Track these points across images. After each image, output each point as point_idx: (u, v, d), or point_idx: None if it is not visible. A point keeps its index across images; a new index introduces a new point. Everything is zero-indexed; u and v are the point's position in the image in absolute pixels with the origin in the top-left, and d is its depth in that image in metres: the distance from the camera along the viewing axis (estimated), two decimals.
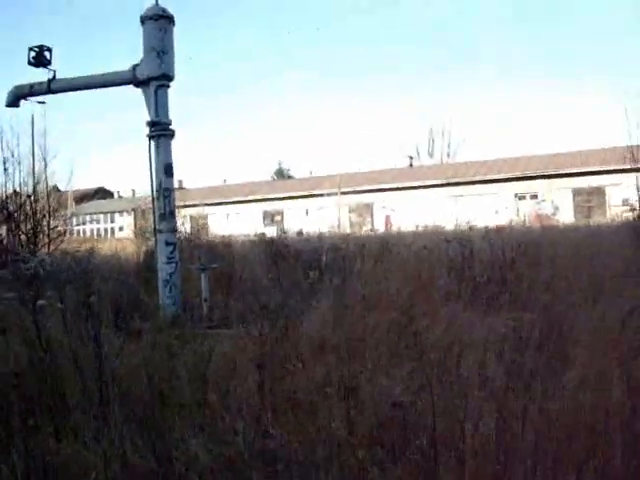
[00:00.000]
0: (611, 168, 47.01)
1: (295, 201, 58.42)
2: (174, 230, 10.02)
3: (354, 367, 4.02)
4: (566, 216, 44.79)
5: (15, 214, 11.17)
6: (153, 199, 10.02)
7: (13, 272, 6.27)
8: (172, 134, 9.94)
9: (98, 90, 10.94)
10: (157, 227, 9.88)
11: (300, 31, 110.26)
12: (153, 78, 9.74)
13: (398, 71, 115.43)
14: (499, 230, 14.01)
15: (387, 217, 54.01)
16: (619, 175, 46.87)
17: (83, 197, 65.27)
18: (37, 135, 11.77)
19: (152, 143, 9.88)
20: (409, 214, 51.19)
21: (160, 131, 9.79)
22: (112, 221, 71.64)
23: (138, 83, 9.94)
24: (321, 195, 54.74)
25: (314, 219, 55.25)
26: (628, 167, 45.97)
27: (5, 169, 11.53)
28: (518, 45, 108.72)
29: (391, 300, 6.21)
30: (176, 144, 9.91)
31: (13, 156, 11.60)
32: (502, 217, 44.59)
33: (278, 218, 58.99)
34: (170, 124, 9.92)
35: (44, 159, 11.80)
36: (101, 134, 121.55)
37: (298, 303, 6.97)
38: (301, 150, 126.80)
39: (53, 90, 10.65)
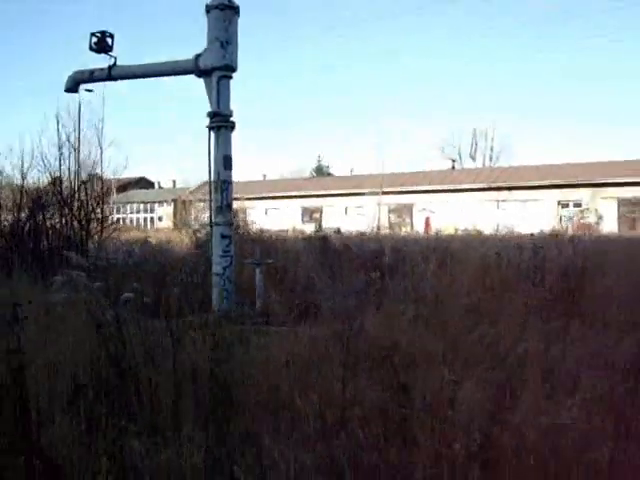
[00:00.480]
0: None
1: (334, 199, 58.26)
2: (230, 223, 9.87)
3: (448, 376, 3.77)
4: (609, 226, 44.04)
5: (69, 200, 11.09)
6: (210, 191, 9.88)
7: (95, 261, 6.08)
8: (233, 126, 9.79)
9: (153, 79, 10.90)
10: (213, 220, 9.74)
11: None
12: (216, 68, 9.59)
13: (443, 72, 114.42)
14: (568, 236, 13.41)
15: (427, 219, 53.67)
16: None
17: (125, 186, 65.90)
18: (95, 121, 11.67)
19: (212, 134, 9.73)
20: (449, 216, 50.83)
21: (221, 122, 9.64)
22: (152, 211, 72.23)
23: (200, 73, 9.81)
24: (362, 194, 54.55)
25: (352, 218, 55.17)
26: None
27: (61, 153, 11.47)
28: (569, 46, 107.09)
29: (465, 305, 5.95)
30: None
31: (69, 141, 11.51)
32: (544, 224, 44.03)
33: (317, 215, 58.89)
34: (231, 115, 9.77)
35: (100, 146, 11.71)
36: (145, 123, 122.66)
37: (361, 304, 6.71)
38: (341, 148, 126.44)
39: (114, 77, 10.57)
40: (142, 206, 71.90)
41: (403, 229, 49.37)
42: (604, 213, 47.60)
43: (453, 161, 68.26)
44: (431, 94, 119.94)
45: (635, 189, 46.73)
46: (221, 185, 9.69)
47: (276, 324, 7.64)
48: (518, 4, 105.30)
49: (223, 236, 9.62)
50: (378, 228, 45.77)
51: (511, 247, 9.26)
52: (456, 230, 43.24)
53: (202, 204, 50.20)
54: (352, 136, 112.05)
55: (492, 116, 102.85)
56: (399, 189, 54.27)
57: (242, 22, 9.80)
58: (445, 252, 9.45)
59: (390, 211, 55.34)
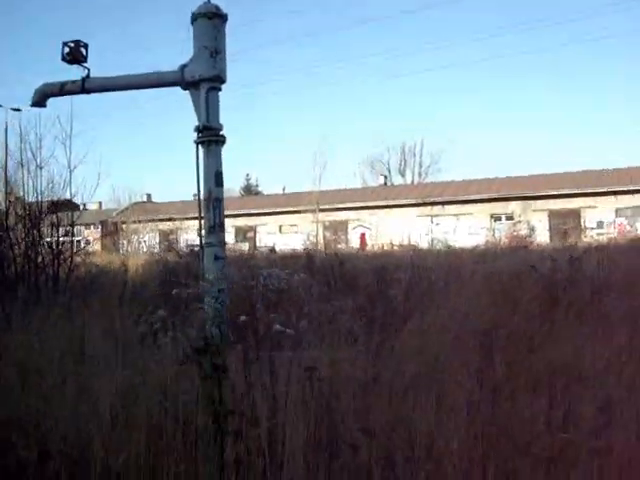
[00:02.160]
0: (586, 191, 47.58)
1: (268, 217, 57.70)
2: (223, 244, 9.28)
3: None
4: (542, 238, 44.97)
5: (37, 223, 10.32)
6: (200, 209, 9.30)
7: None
8: (223, 140, 9.23)
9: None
10: (205, 240, 9.13)
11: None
12: (205, 79, 9.03)
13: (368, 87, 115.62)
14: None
15: (362, 235, 53.77)
16: (594, 198, 47.52)
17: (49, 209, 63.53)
18: (63, 137, 10.90)
19: (201, 149, 9.16)
20: (384, 232, 51.05)
21: (211, 137, 9.07)
22: (79, 234, 69.88)
23: (187, 85, 9.22)
24: (297, 212, 54.13)
25: (287, 236, 54.82)
26: (603, 190, 47.04)
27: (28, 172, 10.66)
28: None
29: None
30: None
31: (35, 159, 10.70)
32: (477, 238, 44.69)
33: (251, 234, 58.16)
34: (221, 129, 9.21)
35: (69, 165, 10.91)
36: None
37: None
38: (269, 166, 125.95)
39: (87, 89, 9.83)
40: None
41: (339, 246, 49.21)
42: (536, 225, 48.69)
43: (385, 177, 68.68)
44: (356, 111, 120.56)
45: (564, 201, 48.10)
46: (213, 203, 9.10)
47: (288, 349, 7.15)
48: (444, 19, 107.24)
49: (217, 257, 9.02)
50: (317, 245, 45.57)
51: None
52: (392, 245, 43.35)
53: (135, 226, 49.07)
54: (281, 155, 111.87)
55: (420, 132, 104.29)
56: (333, 206, 54.12)
57: None
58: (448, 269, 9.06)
59: (325, 228, 55.14)
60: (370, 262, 12.08)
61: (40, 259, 10.24)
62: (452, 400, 3.79)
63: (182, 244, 39.36)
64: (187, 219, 54.23)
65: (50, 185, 10.76)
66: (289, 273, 5.18)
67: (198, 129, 9.13)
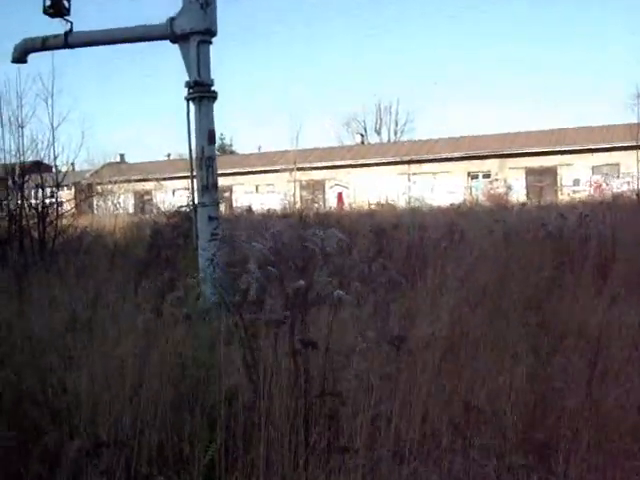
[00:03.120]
0: (562, 149, 47.61)
1: (245, 177, 57.07)
2: (217, 203, 9.03)
3: None
4: (518, 195, 45.00)
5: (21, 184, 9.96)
6: (192, 168, 9.03)
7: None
8: (215, 96, 8.91)
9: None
10: (199, 200, 8.86)
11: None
12: (195, 32, 8.67)
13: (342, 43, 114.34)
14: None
15: (339, 194, 53.50)
16: (570, 155, 47.58)
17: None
18: (45, 95, 10.47)
19: (192, 106, 8.84)
20: (361, 191, 50.80)
21: (202, 92, 8.76)
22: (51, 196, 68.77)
23: (176, 38, 8.86)
24: (274, 171, 53.66)
25: (264, 196, 54.38)
26: (579, 148, 47.14)
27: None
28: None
29: None
30: None
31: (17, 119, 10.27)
32: (455, 196, 44.67)
33: (227, 194, 57.55)
34: (212, 85, 8.88)
35: (51, 125, 10.47)
36: None
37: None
38: (243, 126, 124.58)
39: (70, 44, 9.43)
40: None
41: (315, 205, 48.93)
42: (512, 183, 48.69)
43: (362, 136, 68.20)
44: (333, 68, 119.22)
45: (541, 158, 48.03)
46: (206, 162, 8.82)
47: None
48: None
49: (211, 218, 8.77)
50: (294, 205, 45.25)
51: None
52: (369, 204, 43.19)
53: (110, 187, 48.30)
54: (257, 113, 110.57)
55: (395, 90, 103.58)
56: (310, 165, 53.67)
57: None
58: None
59: (302, 188, 54.70)
60: (360, 221, 11.86)
61: (25, 222, 9.90)
62: None
63: (159, 205, 38.91)
64: (165, 179, 53.73)
65: (33, 144, 10.34)
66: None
67: (189, 85, 8.79)
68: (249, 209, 38.19)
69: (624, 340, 4.54)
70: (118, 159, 67.77)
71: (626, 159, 44.69)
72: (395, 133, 77.47)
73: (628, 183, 43.52)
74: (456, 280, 5.52)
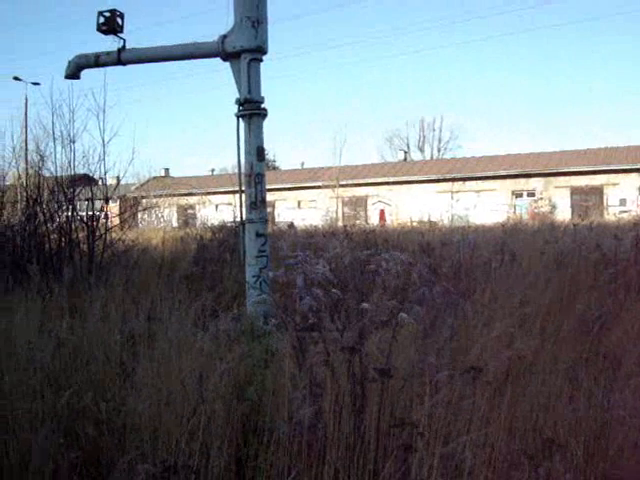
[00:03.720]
0: (609, 168, 46.91)
1: (287, 192, 57.34)
2: (266, 220, 9.02)
3: None
4: (563, 215, 44.39)
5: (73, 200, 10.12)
6: (240, 184, 9.06)
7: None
8: (265, 114, 8.93)
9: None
10: (247, 216, 8.87)
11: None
12: (246, 50, 8.71)
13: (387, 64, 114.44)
14: None
15: (381, 211, 53.39)
16: (617, 175, 46.86)
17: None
18: (96, 110, 10.63)
19: (242, 123, 8.88)
20: (403, 209, 50.67)
21: (252, 110, 8.78)
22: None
23: (227, 56, 8.92)
24: (317, 187, 53.82)
25: (305, 212, 54.58)
26: (626, 167, 46.43)
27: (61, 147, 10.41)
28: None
29: None
30: None
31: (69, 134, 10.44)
32: (498, 214, 44.27)
33: (269, 210, 57.88)
34: (263, 102, 8.90)
35: (102, 139, 10.59)
36: None
37: None
38: (286, 143, 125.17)
39: (123, 61, 9.56)
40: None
41: (357, 222, 48.92)
42: (557, 202, 48.17)
43: (404, 153, 68.08)
44: (378, 86, 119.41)
45: (587, 177, 47.44)
46: (255, 178, 8.83)
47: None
48: None
49: (258, 234, 8.77)
50: (336, 221, 45.32)
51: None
52: (411, 222, 43.00)
53: (155, 200, 48.90)
54: (300, 129, 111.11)
55: (439, 107, 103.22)
56: (353, 182, 53.72)
57: None
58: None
59: (344, 204, 54.78)
60: (407, 239, 11.78)
61: (75, 235, 10.04)
62: None
63: (203, 219, 39.31)
64: (208, 194, 54.28)
65: (84, 158, 10.49)
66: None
67: (239, 102, 8.83)
68: (291, 225, 38.34)
69: None
70: (163, 173, 68.77)
71: None
72: (438, 150, 77.34)
73: None
74: (510, 303, 5.42)
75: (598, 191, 47.98)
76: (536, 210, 47.02)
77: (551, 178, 48.82)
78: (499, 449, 2.89)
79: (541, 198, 48.96)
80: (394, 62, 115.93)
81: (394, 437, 2.75)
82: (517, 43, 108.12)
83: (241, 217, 9.14)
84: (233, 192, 8.49)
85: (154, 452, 2.94)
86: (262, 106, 8.87)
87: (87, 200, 10.18)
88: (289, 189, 57.19)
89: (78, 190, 10.36)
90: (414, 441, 2.58)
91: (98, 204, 10.50)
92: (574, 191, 48.46)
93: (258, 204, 8.85)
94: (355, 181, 53.73)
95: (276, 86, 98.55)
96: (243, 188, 9.01)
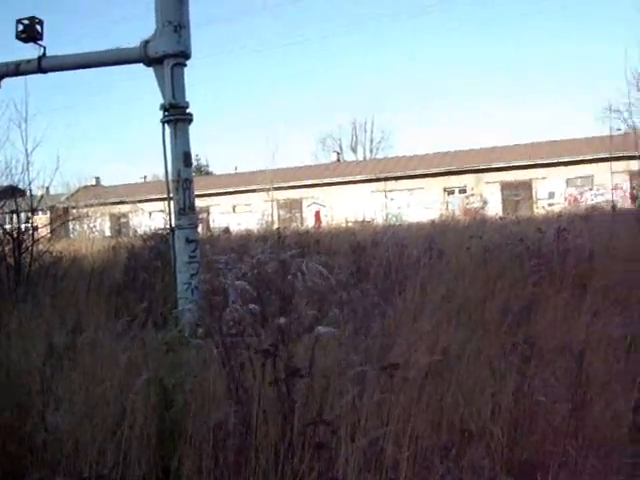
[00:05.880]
0: (537, 162, 48.11)
1: (221, 197, 57.03)
2: (196, 226, 8.96)
3: None
4: (495, 210, 45.34)
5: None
6: (168, 191, 8.97)
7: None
8: (190, 119, 8.87)
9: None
10: (176, 222, 8.79)
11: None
12: (169, 55, 8.63)
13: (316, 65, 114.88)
14: None
15: (317, 212, 53.64)
16: (545, 169, 48.10)
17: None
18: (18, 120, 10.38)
19: (167, 129, 8.79)
20: (339, 209, 50.96)
21: (178, 115, 8.71)
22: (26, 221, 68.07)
23: (150, 61, 8.83)
24: (251, 191, 53.67)
25: (241, 216, 54.37)
26: (554, 161, 47.65)
27: None
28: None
29: None
30: None
31: None
32: (432, 212, 45.00)
33: (204, 215, 57.37)
34: (188, 107, 8.84)
35: (25, 149, 10.35)
36: None
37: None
38: (219, 147, 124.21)
39: (44, 69, 9.38)
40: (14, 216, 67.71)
41: (293, 224, 48.97)
42: (488, 197, 49.19)
43: (338, 154, 68.43)
44: (308, 87, 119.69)
45: (516, 172, 48.55)
46: (183, 184, 8.76)
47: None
48: None
49: (189, 240, 8.69)
50: (272, 224, 45.22)
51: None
52: (347, 222, 43.31)
53: (85, 210, 47.97)
54: (233, 134, 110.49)
55: (370, 108, 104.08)
56: (288, 184, 53.77)
57: None
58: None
59: (279, 207, 54.79)
60: (339, 240, 11.86)
61: (0, 249, 9.78)
62: None
63: (136, 227, 38.75)
64: (141, 202, 53.53)
65: (7, 169, 10.24)
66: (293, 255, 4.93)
67: (164, 107, 8.74)
68: (226, 230, 38.07)
69: (606, 353, 4.55)
70: (94, 182, 67.48)
71: (599, 171, 45.26)
72: (371, 151, 78.02)
73: (602, 195, 44.15)
74: (437, 298, 5.52)
75: (527, 185, 49.13)
76: (468, 206, 47.96)
77: (481, 174, 49.75)
78: (422, 442, 2.94)
79: (472, 194, 49.92)
80: (325, 64, 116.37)
81: (315, 436, 2.78)
82: (450, 41, 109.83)
83: (170, 224, 9.06)
84: (164, 199, 8.41)
85: (74, 466, 2.89)
86: (187, 111, 8.81)
87: (12, 212, 9.91)
88: (223, 194, 56.91)
89: (1, 203, 10.08)
90: (331, 439, 2.61)
91: (24, 216, 10.25)
92: (504, 186, 49.51)
93: (187, 210, 8.78)
94: (289, 183, 53.78)
95: (208, 90, 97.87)
96: (172, 195, 8.94)
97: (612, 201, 40.38)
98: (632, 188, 44.81)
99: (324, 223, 46.84)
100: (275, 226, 40.59)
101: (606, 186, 44.98)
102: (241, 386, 3.17)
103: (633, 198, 43.06)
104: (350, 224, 40.37)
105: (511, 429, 3.57)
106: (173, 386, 3.44)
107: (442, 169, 50.71)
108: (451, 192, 51.38)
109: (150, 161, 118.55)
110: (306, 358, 3.12)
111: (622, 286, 6.45)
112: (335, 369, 3.23)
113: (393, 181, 52.04)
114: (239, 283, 4.24)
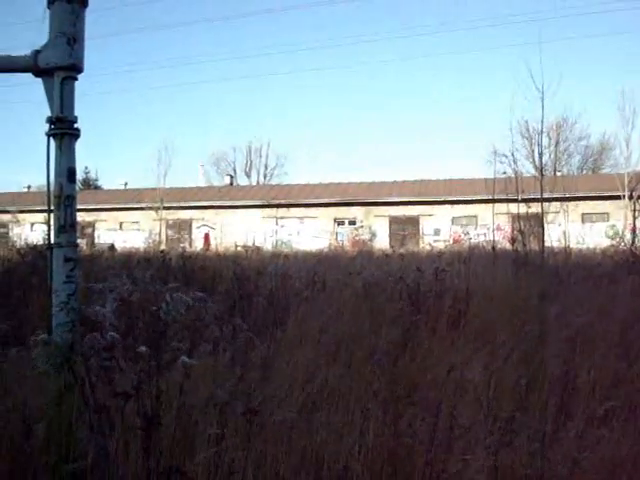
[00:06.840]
0: (425, 199, 49.71)
1: (108, 213, 55.63)
2: (76, 245, 8.65)
3: None
4: (382, 243, 46.36)
5: None
6: (49, 205, 8.64)
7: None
8: (78, 134, 8.50)
9: None
10: (55, 240, 8.47)
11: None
12: (60, 68, 8.29)
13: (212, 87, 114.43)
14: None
15: (206, 235, 53.18)
16: (432, 206, 49.75)
17: None
18: None
19: (53, 142, 8.50)
20: (229, 233, 50.75)
21: (64, 129, 8.29)
22: None
23: (40, 72, 8.48)
24: (140, 208, 52.63)
25: (128, 234, 53.28)
26: (440, 199, 49.29)
27: None
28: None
29: None
30: None
31: None
32: (321, 241, 45.63)
33: (89, 231, 55.71)
34: (76, 121, 8.54)
35: None
36: None
37: None
38: (109, 161, 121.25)
39: None
40: None
41: (181, 245, 48.35)
42: (377, 230, 50.32)
43: (231, 177, 68.29)
44: (202, 110, 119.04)
45: (404, 208, 49.96)
46: (65, 201, 8.40)
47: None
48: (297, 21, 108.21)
49: (67, 259, 8.36)
50: (159, 244, 44.48)
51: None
52: (236, 246, 43.13)
53: None
54: (123, 150, 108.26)
55: (266, 133, 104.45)
56: (178, 204, 53.17)
57: None
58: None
59: (168, 226, 54.02)
60: (226, 265, 11.76)
61: None
62: None
63: (16, 239, 37.16)
64: (22, 212, 51.44)
65: None
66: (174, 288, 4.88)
67: (50, 120, 8.46)
68: (111, 247, 37.10)
69: (471, 396, 4.69)
70: None
71: (483, 211, 47.05)
72: (264, 176, 78.27)
73: (485, 234, 45.90)
74: (316, 333, 5.57)
75: (415, 221, 50.61)
76: (356, 238, 48.88)
77: (371, 207, 50.92)
78: None
79: (361, 226, 50.91)
80: (225, 86, 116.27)
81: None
82: (351, 75, 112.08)
83: (49, 240, 8.74)
84: (45, 211, 8.05)
85: None
86: (75, 126, 8.51)
87: None
88: (110, 209, 55.57)
89: None
90: None
91: None
92: (392, 220, 50.81)
93: (67, 228, 8.41)
94: (180, 204, 53.25)
95: (101, 103, 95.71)
96: (53, 208, 8.64)
97: (493, 241, 42.02)
98: (512, 230, 46.81)
99: (213, 246, 46.48)
100: (162, 246, 39.98)
101: (489, 226, 46.87)
102: (104, 419, 3.08)
103: (512, 240, 44.92)
104: (239, 248, 40.18)
105: (378, 468, 3.62)
106: (39, 415, 3.30)
107: (333, 200, 51.48)
108: (341, 223, 52.21)
109: (35, 172, 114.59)
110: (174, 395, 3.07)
111: (493, 327, 6.69)
112: (203, 407, 3.19)
113: (285, 208, 52.41)
114: (102, 313, 4.13)
